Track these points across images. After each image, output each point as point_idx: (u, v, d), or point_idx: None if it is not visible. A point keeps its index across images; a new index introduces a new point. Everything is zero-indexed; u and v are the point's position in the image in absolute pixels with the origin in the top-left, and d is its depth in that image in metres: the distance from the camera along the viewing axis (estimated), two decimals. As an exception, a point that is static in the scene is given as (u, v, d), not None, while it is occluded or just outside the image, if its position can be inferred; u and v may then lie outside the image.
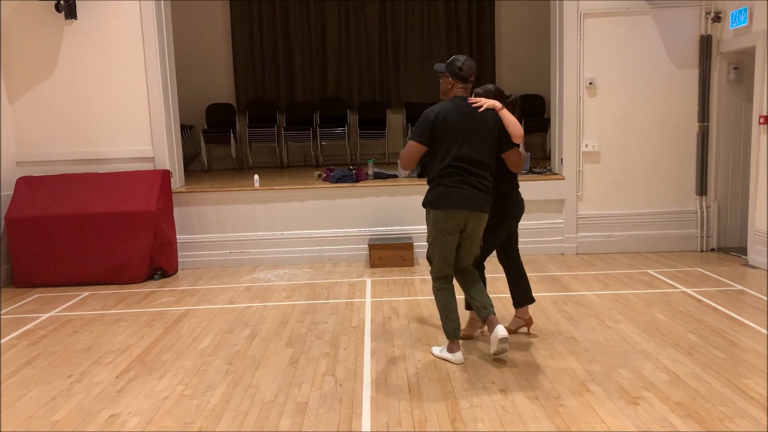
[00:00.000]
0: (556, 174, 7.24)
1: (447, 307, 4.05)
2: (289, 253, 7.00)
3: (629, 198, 7.05)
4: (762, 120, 6.12)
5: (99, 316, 5.34)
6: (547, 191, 7.05)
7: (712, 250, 7.02)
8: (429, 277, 6.14)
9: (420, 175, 4.11)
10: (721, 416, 3.21)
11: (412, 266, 6.66)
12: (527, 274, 4.53)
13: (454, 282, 4.13)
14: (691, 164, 7.01)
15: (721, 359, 3.94)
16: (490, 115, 3.98)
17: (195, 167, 9.85)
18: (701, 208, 7.00)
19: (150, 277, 6.53)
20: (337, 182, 7.14)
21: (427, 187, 4.06)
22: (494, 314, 3.97)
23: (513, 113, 4.13)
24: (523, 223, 7.05)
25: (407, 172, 6.55)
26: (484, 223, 3.99)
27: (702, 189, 6.97)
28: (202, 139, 9.63)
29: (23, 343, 4.73)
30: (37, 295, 6.09)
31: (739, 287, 5.52)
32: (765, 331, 4.39)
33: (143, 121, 6.93)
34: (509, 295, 4.52)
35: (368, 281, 6.16)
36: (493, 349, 3.90)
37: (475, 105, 3.98)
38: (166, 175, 6.79)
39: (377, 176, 7.30)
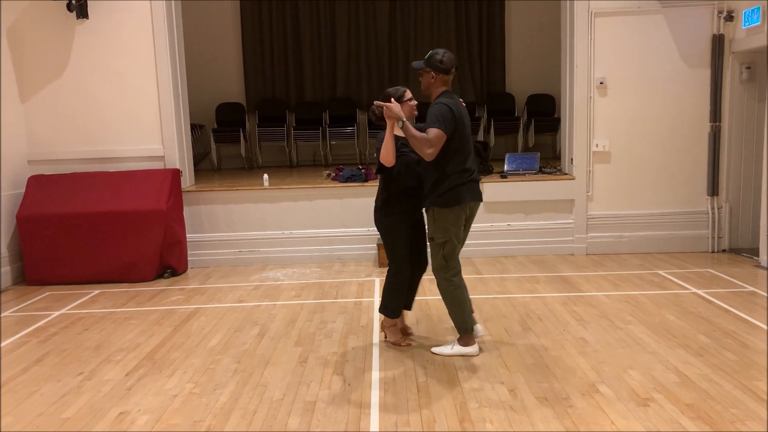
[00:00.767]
0: (566, 174, 7.21)
1: (466, 301, 4.14)
2: (298, 253, 7.01)
3: (640, 198, 7.01)
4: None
5: (109, 314, 5.37)
6: (557, 191, 7.01)
7: (724, 251, 6.97)
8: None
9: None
10: (732, 418, 3.18)
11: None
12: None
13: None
14: (702, 164, 6.95)
15: (733, 361, 3.91)
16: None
17: (205, 166, 9.89)
18: (713, 208, 6.94)
19: (160, 276, 6.56)
20: (346, 182, 7.14)
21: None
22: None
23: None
24: (533, 223, 7.14)
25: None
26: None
27: (714, 189, 6.92)
28: (212, 139, 9.66)
29: (34, 340, 4.76)
30: (48, 293, 6.13)
31: (751, 288, 5.47)
32: (777, 333, 4.36)
33: (154, 121, 6.96)
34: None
35: (377, 281, 6.16)
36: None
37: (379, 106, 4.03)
38: (176, 174, 6.82)
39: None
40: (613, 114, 6.94)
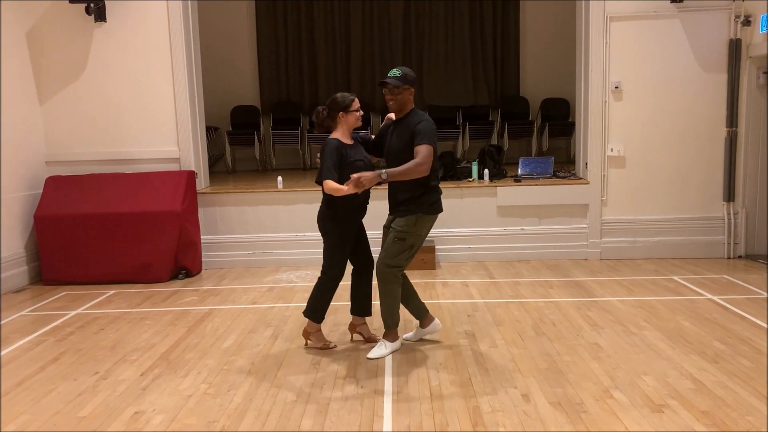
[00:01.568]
0: (581, 178, 7.19)
1: (399, 297, 4.31)
2: (311, 255, 7.02)
3: (655, 203, 6.97)
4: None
5: (124, 314, 5.42)
6: (572, 195, 6.99)
7: (740, 257, 6.91)
8: (451, 281, 6.17)
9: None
10: (748, 426, 3.16)
11: (434, 269, 6.65)
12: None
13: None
14: (718, 170, 6.90)
15: (748, 368, 3.88)
16: None
17: (219, 168, 9.94)
18: (728, 214, 6.89)
19: (174, 277, 6.61)
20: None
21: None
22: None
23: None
24: (546, 228, 7.12)
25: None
26: None
27: (729, 195, 6.86)
28: (226, 141, 9.72)
29: (51, 339, 4.81)
30: (64, 293, 6.20)
31: (767, 295, 5.43)
32: (794, 341, 4.32)
33: (170, 123, 7.02)
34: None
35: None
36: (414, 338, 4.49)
37: None
38: (191, 176, 6.87)
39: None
40: (628, 118, 6.90)
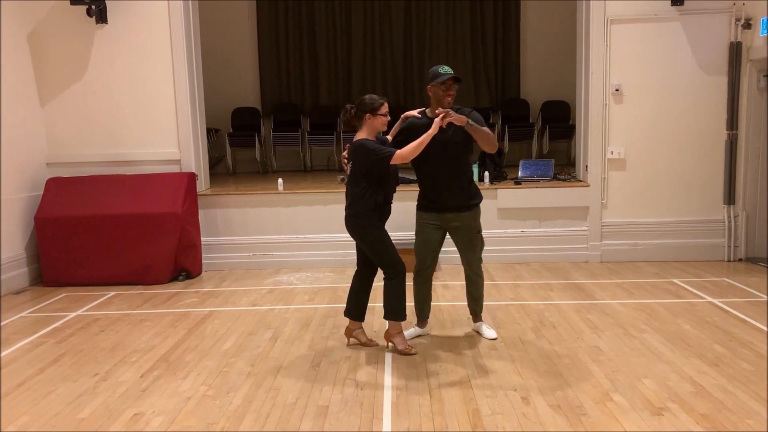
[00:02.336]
0: (581, 181, 7.19)
1: None
2: (311, 257, 7.04)
3: (655, 206, 6.96)
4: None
5: (124, 316, 5.42)
6: (572, 198, 6.99)
7: (740, 260, 6.90)
8: (452, 283, 6.17)
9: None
10: (748, 429, 3.15)
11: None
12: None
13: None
14: (719, 173, 6.90)
15: (748, 371, 3.88)
16: None
17: (220, 170, 9.95)
18: (729, 217, 6.89)
19: (174, 279, 6.61)
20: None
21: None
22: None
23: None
24: (547, 230, 7.12)
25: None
26: None
27: (730, 198, 6.86)
28: (227, 143, 9.73)
29: (51, 341, 4.81)
30: (64, 294, 6.20)
31: (767, 298, 5.43)
32: (794, 344, 4.31)
33: (170, 124, 7.03)
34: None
35: (390, 286, 6.15)
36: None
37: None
38: (191, 177, 6.87)
39: (401, 181, 7.30)
40: (629, 121, 6.91)
